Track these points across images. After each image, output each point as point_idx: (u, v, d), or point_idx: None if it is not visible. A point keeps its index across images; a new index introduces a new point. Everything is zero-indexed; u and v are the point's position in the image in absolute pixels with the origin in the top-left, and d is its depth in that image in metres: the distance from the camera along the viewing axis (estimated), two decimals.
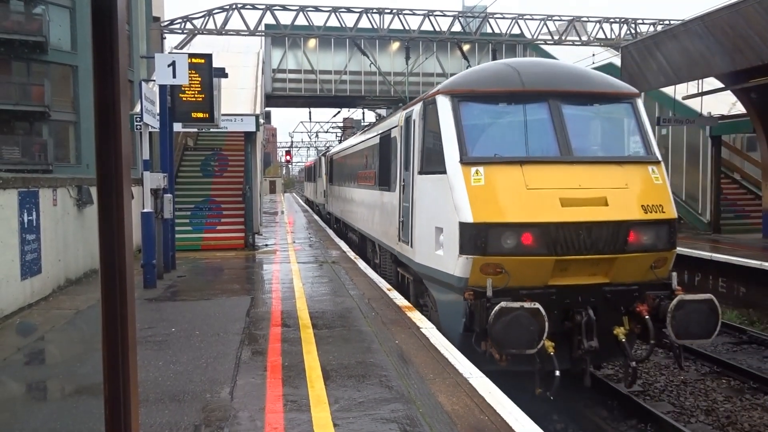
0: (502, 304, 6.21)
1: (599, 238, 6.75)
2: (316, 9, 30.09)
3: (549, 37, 33.20)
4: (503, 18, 33.08)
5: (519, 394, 5.80)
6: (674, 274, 7.26)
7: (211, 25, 29.12)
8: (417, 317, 7.98)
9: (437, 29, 31.61)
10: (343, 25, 30.43)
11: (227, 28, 29.47)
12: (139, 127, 11.32)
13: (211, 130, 17.42)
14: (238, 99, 18.99)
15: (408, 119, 9.32)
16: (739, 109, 19.47)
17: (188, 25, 29.11)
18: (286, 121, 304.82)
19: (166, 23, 30.14)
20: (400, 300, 9.15)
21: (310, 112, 58.94)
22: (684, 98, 19.59)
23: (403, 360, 6.12)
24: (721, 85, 17.91)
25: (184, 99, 11.98)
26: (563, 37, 32.53)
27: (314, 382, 5.45)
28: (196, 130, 18.28)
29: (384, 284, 10.54)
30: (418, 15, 31.40)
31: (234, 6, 29.17)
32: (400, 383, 5.42)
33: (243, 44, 31.09)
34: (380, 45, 33.95)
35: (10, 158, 28.84)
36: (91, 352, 6.68)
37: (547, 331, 6.21)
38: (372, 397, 5.09)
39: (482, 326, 6.42)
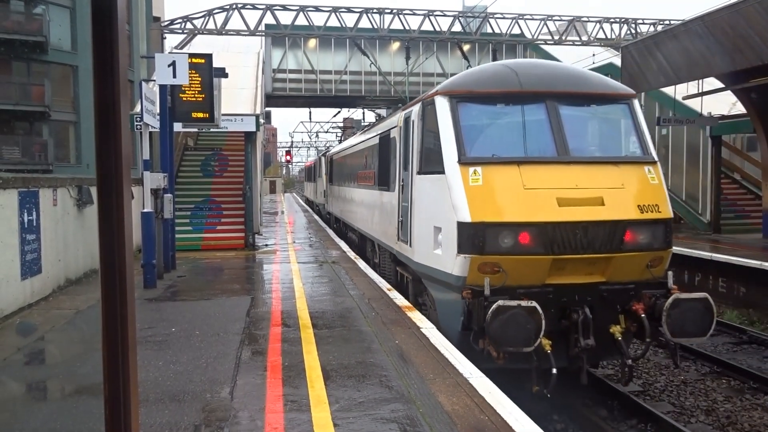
0: (500, 302, 6.26)
1: (596, 237, 6.82)
2: (317, 9, 30.11)
3: (549, 37, 33.19)
4: (503, 18, 33.09)
5: (519, 393, 5.80)
6: (670, 273, 7.32)
7: (211, 25, 29.13)
8: (417, 317, 7.99)
9: (437, 29, 31.61)
10: (344, 25, 30.43)
11: (227, 28, 29.47)
12: (139, 127, 11.32)
13: (211, 130, 17.42)
14: (238, 99, 19.00)
15: (407, 120, 9.36)
16: (739, 109, 19.47)
17: (188, 25, 29.11)
18: (286, 121, 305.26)
19: (166, 23, 30.14)
20: (400, 300, 9.15)
21: (310, 112, 59.02)
22: (684, 98, 19.59)
23: (403, 360, 6.13)
24: (721, 85, 17.91)
25: (184, 99, 11.98)
26: (563, 37, 32.54)
27: (314, 382, 5.46)
28: (196, 130, 18.27)
29: (384, 284, 10.55)
30: (419, 15, 31.40)
31: (234, 6, 29.17)
32: (400, 383, 5.42)
33: (243, 44, 31.10)
34: (380, 45, 33.94)
35: (10, 158, 28.85)
36: (91, 352, 6.68)
37: (544, 330, 6.27)
38: (372, 397, 5.09)
39: (480, 324, 6.47)
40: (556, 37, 32.88)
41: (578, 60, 27.13)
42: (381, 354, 6.34)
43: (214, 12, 29.00)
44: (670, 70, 16.34)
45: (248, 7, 29.53)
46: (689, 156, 21.78)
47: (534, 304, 6.27)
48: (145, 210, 10.71)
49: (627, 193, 7.11)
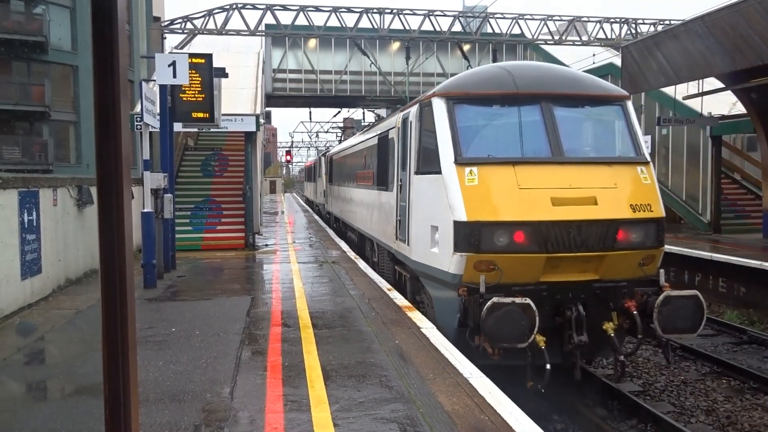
0: (494, 299, 6.36)
1: (589, 236, 6.93)
2: (317, 9, 30.11)
3: (549, 37, 33.20)
4: (503, 18, 33.09)
5: (519, 394, 5.81)
6: (662, 270, 7.44)
7: (211, 25, 29.13)
8: (417, 317, 8.00)
9: (437, 29, 31.62)
10: (344, 25, 30.43)
11: (227, 28, 29.48)
12: (139, 127, 11.33)
13: (212, 130, 17.42)
14: (238, 99, 19.00)
15: (405, 121, 9.47)
16: (740, 109, 19.47)
17: (188, 25, 29.11)
18: (287, 121, 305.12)
19: (166, 23, 30.14)
20: (400, 300, 9.16)
21: (310, 112, 59.08)
22: (684, 98, 19.60)
23: (403, 360, 6.13)
24: (721, 85, 17.91)
25: (184, 99, 11.98)
26: (563, 37, 32.54)
27: (314, 382, 5.46)
28: (196, 130, 18.27)
29: (384, 284, 10.56)
30: (419, 15, 31.40)
31: (234, 6, 29.17)
32: (400, 383, 5.42)
33: (243, 44, 31.12)
34: (380, 45, 33.95)
35: (10, 158, 28.84)
36: (91, 352, 6.68)
37: (538, 326, 6.36)
38: (372, 397, 5.10)
39: (475, 321, 6.56)
40: (557, 37, 32.88)
41: (578, 60, 27.18)
42: (381, 354, 6.34)
43: (214, 12, 29.00)
44: (671, 70, 16.33)
45: (248, 7, 29.53)
46: (689, 156, 21.78)
47: (528, 301, 6.37)
48: (145, 210, 10.72)
49: (620, 192, 7.23)
